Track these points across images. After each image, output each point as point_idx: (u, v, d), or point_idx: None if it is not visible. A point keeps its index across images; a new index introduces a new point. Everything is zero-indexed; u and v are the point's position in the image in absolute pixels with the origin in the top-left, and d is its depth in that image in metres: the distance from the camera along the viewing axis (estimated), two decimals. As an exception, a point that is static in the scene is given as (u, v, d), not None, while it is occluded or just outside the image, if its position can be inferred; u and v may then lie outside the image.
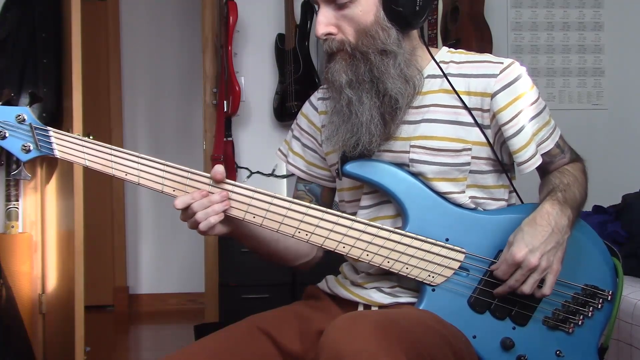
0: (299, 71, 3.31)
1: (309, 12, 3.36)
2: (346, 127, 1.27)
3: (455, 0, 3.31)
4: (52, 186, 2.94)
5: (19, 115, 1.23)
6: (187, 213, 1.23)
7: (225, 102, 3.32)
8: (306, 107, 1.49)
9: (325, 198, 1.50)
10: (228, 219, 1.26)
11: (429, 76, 1.33)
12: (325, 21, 1.27)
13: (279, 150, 1.54)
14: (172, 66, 4.50)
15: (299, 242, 1.32)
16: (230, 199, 1.24)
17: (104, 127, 4.39)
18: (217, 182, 1.24)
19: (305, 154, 1.48)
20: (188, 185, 1.24)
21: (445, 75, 1.32)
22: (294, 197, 1.47)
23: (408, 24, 1.28)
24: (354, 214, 1.38)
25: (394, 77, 1.26)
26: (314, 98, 1.48)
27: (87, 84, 2.76)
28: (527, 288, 1.23)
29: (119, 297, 4.46)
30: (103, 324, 4.17)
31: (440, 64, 1.33)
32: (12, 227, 2.94)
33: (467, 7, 3.27)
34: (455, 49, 1.38)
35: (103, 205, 4.38)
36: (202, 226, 1.22)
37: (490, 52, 1.73)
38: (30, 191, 3.01)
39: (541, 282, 1.24)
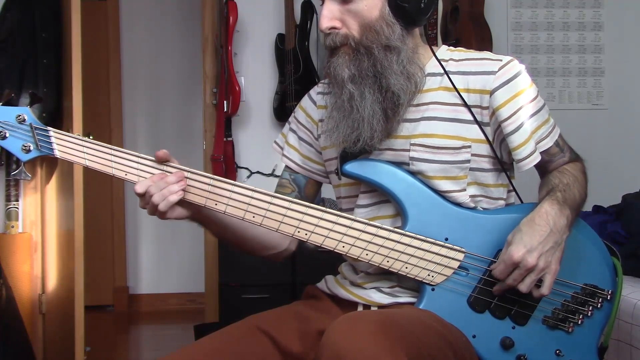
0: (299, 71, 3.31)
1: (309, 12, 3.36)
2: (347, 123, 1.27)
3: (455, 0, 3.31)
4: (52, 186, 2.94)
5: (19, 116, 1.23)
6: (145, 198, 1.23)
7: (225, 102, 3.31)
8: (305, 101, 1.49)
9: (309, 191, 1.49)
10: (188, 203, 1.25)
11: (429, 74, 1.33)
12: (329, 15, 1.27)
13: (275, 142, 1.53)
14: (172, 66, 4.50)
15: (270, 232, 1.30)
16: (229, 197, 1.24)
17: (104, 127, 4.39)
18: (159, 162, 1.24)
19: (301, 147, 1.48)
20: (188, 185, 1.24)
21: (446, 73, 1.32)
22: (277, 185, 1.47)
23: (412, 20, 1.28)
24: (351, 209, 1.38)
25: (396, 73, 1.26)
26: (313, 92, 1.48)
27: (87, 84, 2.76)
28: (524, 287, 1.22)
29: (119, 297, 4.46)
30: (103, 324, 4.17)
31: (440, 62, 1.33)
32: (12, 227, 2.94)
33: (467, 7, 3.28)
34: (455, 47, 1.38)
35: (103, 205, 4.38)
36: (161, 206, 1.22)
37: (490, 52, 1.73)
38: (30, 191, 3.01)
39: (540, 282, 1.24)
